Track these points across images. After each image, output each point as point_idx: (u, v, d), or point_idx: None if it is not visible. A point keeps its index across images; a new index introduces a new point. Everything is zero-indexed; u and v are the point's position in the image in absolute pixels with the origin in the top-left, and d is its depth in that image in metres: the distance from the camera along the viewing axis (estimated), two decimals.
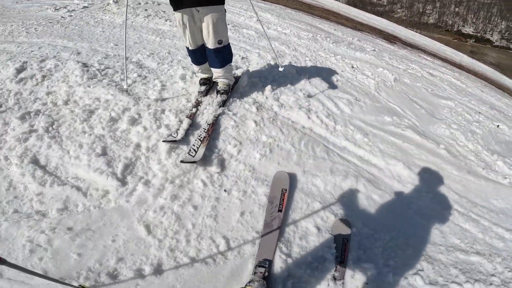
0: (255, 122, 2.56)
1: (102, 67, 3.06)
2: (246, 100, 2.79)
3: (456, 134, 3.58)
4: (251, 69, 3.43)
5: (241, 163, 2.26)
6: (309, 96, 3.08)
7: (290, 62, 3.98)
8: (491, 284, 2.16)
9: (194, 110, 2.56)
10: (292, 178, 2.25)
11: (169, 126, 2.39)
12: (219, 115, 2.55)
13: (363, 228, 2.15)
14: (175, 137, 2.25)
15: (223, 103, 2.68)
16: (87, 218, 1.69)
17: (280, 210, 2.05)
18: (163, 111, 2.52)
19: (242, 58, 3.84)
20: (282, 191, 2.15)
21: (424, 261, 2.14)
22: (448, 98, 5.10)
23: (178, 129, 2.35)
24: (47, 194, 1.78)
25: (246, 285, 1.59)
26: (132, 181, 1.94)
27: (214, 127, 2.44)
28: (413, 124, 3.28)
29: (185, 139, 2.29)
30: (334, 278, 1.88)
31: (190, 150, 2.17)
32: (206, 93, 2.78)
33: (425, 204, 2.51)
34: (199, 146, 2.23)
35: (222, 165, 2.23)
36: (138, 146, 2.17)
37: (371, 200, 2.35)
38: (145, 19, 4.79)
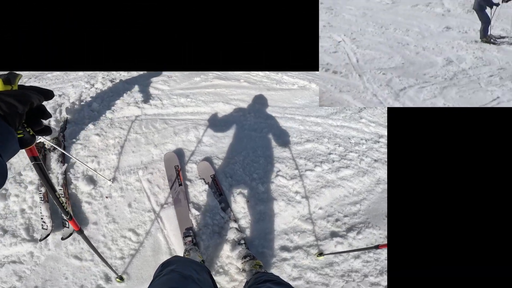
0: (97, 134, 2.94)
1: None
2: (81, 122, 3.08)
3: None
4: (72, 100, 3.55)
5: (105, 170, 2.67)
6: (132, 93, 3.60)
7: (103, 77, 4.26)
8: (333, 161, 2.95)
9: (42, 189, 2.35)
10: (160, 156, 2.83)
11: (32, 181, 2.46)
12: (66, 171, 2.54)
13: (220, 160, 2.86)
14: (47, 230, 2.21)
15: (63, 157, 2.59)
16: (38, 275, 2.04)
17: (180, 184, 2.51)
18: (20, 175, 2.52)
19: (60, 95, 3.73)
20: (175, 168, 2.65)
21: (277, 163, 2.87)
22: None
23: (43, 220, 2.24)
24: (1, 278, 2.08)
25: (184, 255, 1.97)
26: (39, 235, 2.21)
27: (68, 188, 2.45)
28: (216, 75, 4.31)
29: (56, 223, 2.27)
30: (223, 209, 2.42)
31: (63, 223, 2.24)
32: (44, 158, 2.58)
33: (252, 121, 3.45)
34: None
35: (92, 181, 2.56)
36: (22, 211, 2.32)
37: (214, 137, 3.13)
38: None
